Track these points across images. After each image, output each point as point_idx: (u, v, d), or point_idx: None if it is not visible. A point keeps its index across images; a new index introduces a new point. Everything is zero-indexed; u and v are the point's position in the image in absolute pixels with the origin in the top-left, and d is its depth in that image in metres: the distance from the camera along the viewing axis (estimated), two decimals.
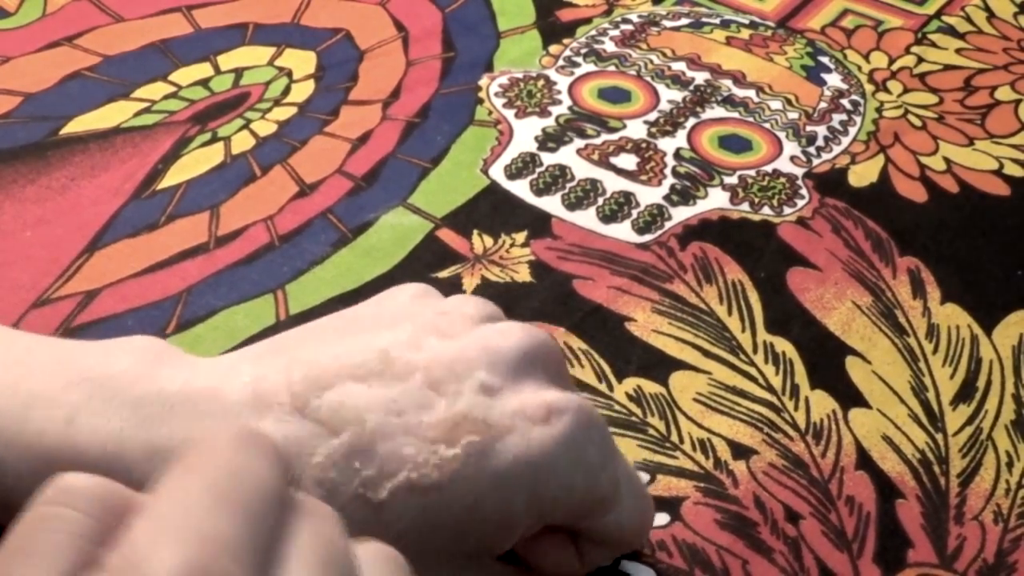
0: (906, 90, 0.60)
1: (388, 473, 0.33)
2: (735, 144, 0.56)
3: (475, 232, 0.51)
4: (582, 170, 0.54)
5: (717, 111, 0.58)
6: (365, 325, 0.36)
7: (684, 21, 0.64)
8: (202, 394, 0.34)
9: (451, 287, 0.49)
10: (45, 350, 0.36)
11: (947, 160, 0.56)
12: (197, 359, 0.36)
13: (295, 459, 0.33)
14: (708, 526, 0.41)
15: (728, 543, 0.40)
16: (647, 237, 0.51)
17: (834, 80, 0.60)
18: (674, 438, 0.44)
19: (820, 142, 0.57)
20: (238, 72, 0.59)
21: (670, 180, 0.54)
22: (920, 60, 0.62)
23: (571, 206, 0.53)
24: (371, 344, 0.35)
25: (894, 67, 0.61)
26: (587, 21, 0.63)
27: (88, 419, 0.34)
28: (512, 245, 0.51)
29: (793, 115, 0.58)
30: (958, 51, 0.62)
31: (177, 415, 0.34)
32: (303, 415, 0.33)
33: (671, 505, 0.42)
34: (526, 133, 0.56)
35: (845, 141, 0.57)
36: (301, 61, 0.60)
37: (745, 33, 0.63)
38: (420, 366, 0.34)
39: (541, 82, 0.59)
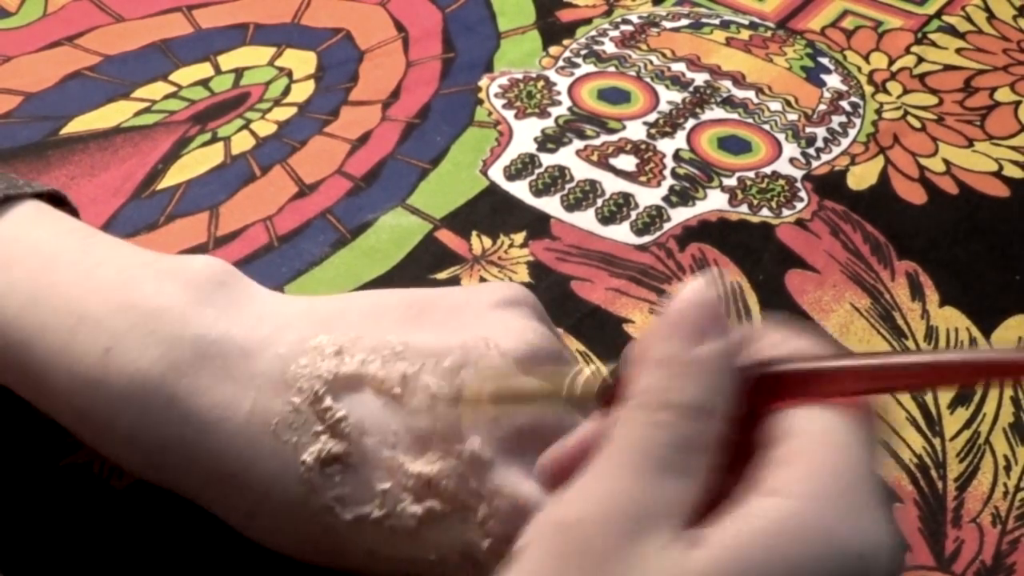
0: (906, 91, 0.60)
1: (358, 499, 0.34)
2: (734, 145, 0.56)
3: (474, 233, 0.51)
4: (581, 171, 0.54)
5: (716, 112, 0.58)
6: (425, 324, 0.37)
7: (684, 22, 0.64)
8: (235, 352, 0.36)
9: None
10: (112, 266, 0.38)
11: (946, 162, 0.56)
12: (254, 296, 0.38)
13: (291, 447, 0.35)
14: None
15: None
16: (646, 238, 0.51)
17: (834, 81, 0.60)
18: None
19: (819, 144, 0.57)
20: (238, 72, 0.59)
21: (669, 181, 0.54)
22: (920, 60, 0.62)
23: (570, 207, 0.53)
24: (412, 354, 0.36)
25: (894, 68, 0.61)
26: (587, 22, 0.63)
27: (123, 352, 0.36)
28: (511, 246, 0.51)
29: (792, 116, 0.58)
30: (958, 51, 0.62)
31: (204, 368, 0.35)
32: (314, 411, 0.35)
33: None
34: (525, 134, 0.56)
35: (844, 143, 0.57)
36: (301, 61, 0.60)
37: (745, 34, 0.63)
38: (434, 405, 0.35)
39: (541, 83, 0.59)
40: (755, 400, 0.29)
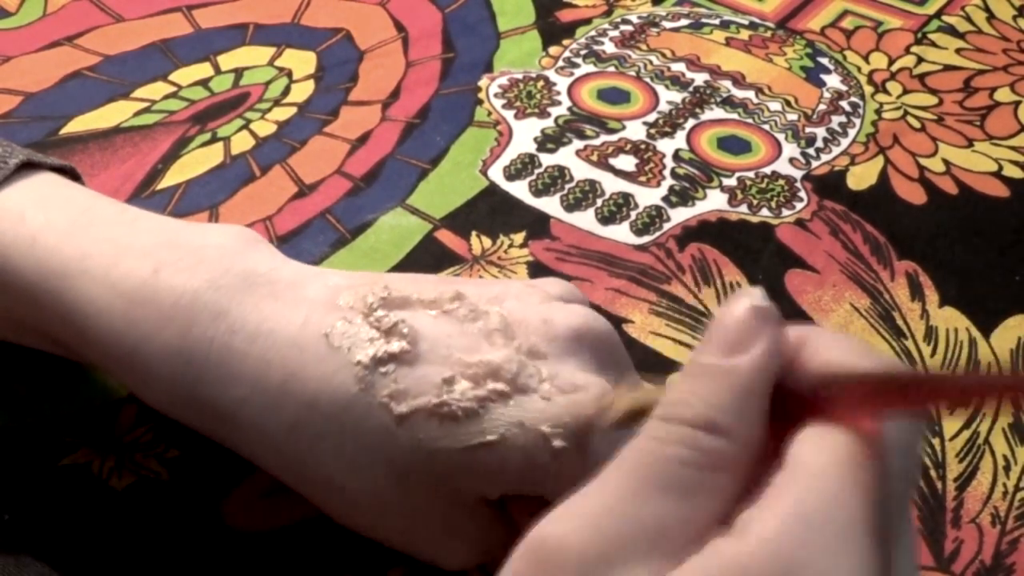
0: (905, 91, 0.60)
1: (416, 393, 0.35)
2: (734, 145, 0.56)
3: (473, 233, 0.51)
4: (581, 171, 0.54)
5: (716, 112, 0.58)
6: (462, 280, 0.39)
7: (684, 22, 0.64)
8: (283, 281, 0.37)
9: None
10: (149, 220, 0.39)
11: (946, 162, 0.56)
12: (289, 259, 0.39)
13: (343, 352, 0.35)
14: None
15: None
16: (645, 238, 0.51)
17: (833, 81, 0.60)
18: None
19: (819, 144, 0.57)
20: (238, 72, 0.59)
21: (669, 181, 0.54)
22: (920, 60, 0.62)
23: (570, 207, 0.53)
24: (456, 287, 0.37)
25: (894, 68, 0.61)
26: (587, 22, 0.63)
27: (173, 273, 0.37)
28: (510, 246, 0.51)
29: (792, 116, 0.58)
30: (958, 51, 0.62)
31: (254, 292, 0.36)
32: (367, 321, 0.36)
33: None
34: (525, 134, 0.56)
35: (844, 143, 0.57)
36: (301, 61, 0.60)
37: (745, 34, 0.63)
38: (486, 316, 0.36)
39: (540, 83, 0.59)
40: (790, 418, 0.26)
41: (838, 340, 0.28)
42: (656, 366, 0.46)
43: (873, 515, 0.25)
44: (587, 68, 0.60)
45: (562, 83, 0.59)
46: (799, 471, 0.25)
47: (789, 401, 0.27)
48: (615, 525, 0.25)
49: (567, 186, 0.54)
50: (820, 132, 0.57)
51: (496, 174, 0.54)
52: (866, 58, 0.62)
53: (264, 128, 0.56)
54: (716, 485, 0.26)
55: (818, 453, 0.26)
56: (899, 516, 0.26)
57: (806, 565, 0.24)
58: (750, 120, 0.58)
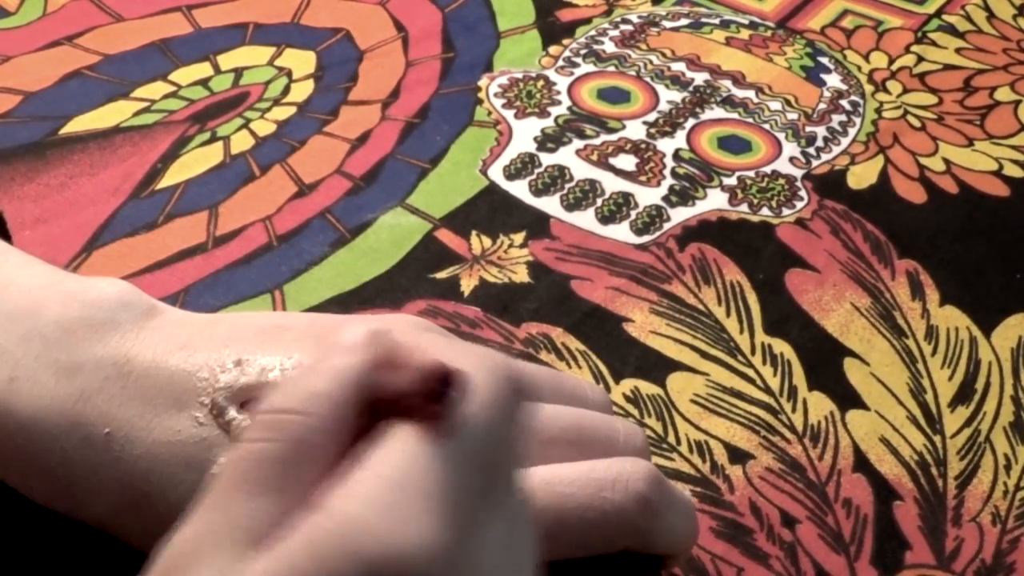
0: (905, 91, 0.60)
1: None
2: (734, 145, 0.56)
3: (473, 233, 0.51)
4: (581, 171, 0.54)
5: (716, 112, 0.58)
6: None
7: (684, 21, 0.64)
8: (136, 372, 0.36)
9: (449, 288, 0.49)
10: (18, 288, 0.38)
11: (946, 161, 0.56)
12: (157, 314, 0.38)
13: (202, 461, 0.35)
14: (703, 534, 0.41)
15: (723, 552, 0.40)
16: (646, 238, 0.51)
17: (834, 81, 0.60)
18: (671, 439, 0.44)
19: (819, 143, 0.56)
20: (238, 72, 0.59)
21: (669, 181, 0.54)
22: (920, 59, 0.62)
23: (570, 207, 0.53)
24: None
25: (894, 67, 0.61)
26: (587, 21, 0.63)
27: (26, 381, 0.36)
28: (510, 246, 0.51)
29: (792, 116, 0.58)
30: (958, 50, 0.62)
31: (103, 393, 0.36)
32: (218, 424, 0.35)
33: None
34: (525, 134, 0.56)
35: (844, 142, 0.57)
36: (301, 61, 0.60)
37: (745, 33, 0.63)
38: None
39: (540, 82, 0.59)
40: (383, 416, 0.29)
41: (430, 340, 0.32)
42: (656, 365, 0.46)
43: (442, 484, 0.27)
44: (587, 68, 0.60)
45: (562, 83, 0.59)
46: (369, 452, 0.28)
47: (381, 403, 0.29)
48: (200, 528, 0.27)
49: (567, 186, 0.54)
50: (820, 131, 0.57)
51: (496, 174, 0.54)
52: (866, 57, 0.62)
53: (264, 128, 0.56)
54: (299, 476, 0.28)
55: (388, 437, 0.28)
56: (494, 486, 0.29)
57: (374, 528, 0.26)
58: (750, 119, 0.58)
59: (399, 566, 0.26)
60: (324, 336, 0.36)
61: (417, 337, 0.32)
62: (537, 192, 0.53)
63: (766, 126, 0.57)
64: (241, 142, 0.55)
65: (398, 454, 0.28)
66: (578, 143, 0.56)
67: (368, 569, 0.26)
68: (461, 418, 0.28)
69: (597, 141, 0.56)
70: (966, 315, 0.49)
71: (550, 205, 0.53)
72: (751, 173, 0.55)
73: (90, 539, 0.37)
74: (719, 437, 0.44)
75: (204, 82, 0.58)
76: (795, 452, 0.43)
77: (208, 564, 0.27)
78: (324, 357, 0.29)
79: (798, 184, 0.54)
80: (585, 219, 0.52)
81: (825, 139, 0.57)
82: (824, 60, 0.61)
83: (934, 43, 0.63)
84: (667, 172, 0.55)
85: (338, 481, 0.27)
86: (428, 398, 0.28)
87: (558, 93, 0.58)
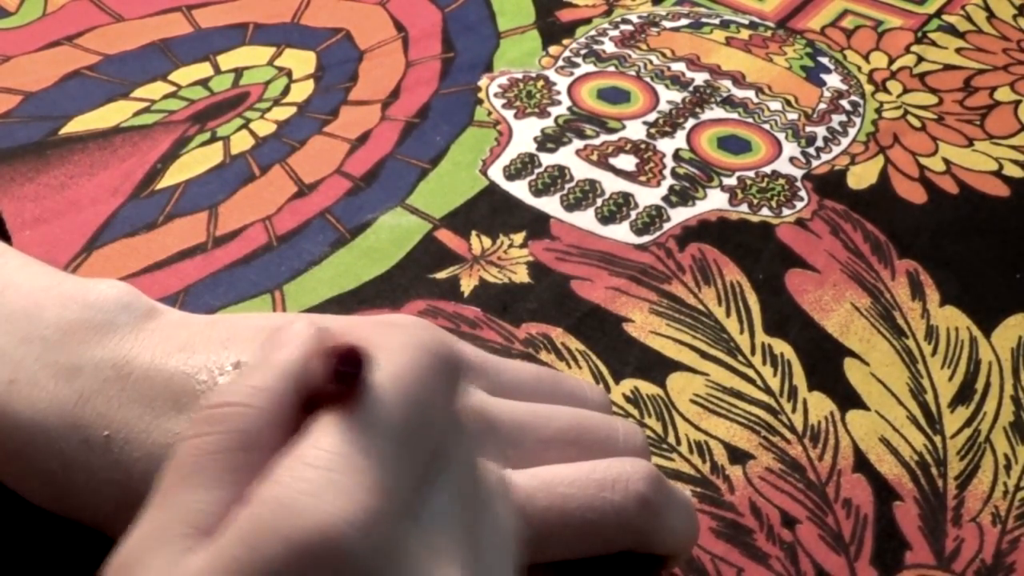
0: (906, 91, 0.60)
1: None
2: (734, 145, 0.56)
3: (473, 233, 0.51)
4: (581, 171, 0.54)
5: (716, 112, 0.58)
6: None
7: (684, 21, 0.64)
8: (135, 374, 0.36)
9: (449, 288, 0.49)
10: (17, 291, 0.38)
11: (946, 161, 0.56)
12: (156, 316, 0.37)
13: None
14: (703, 535, 0.41)
15: (723, 552, 0.40)
16: (645, 238, 0.51)
17: (834, 81, 0.60)
18: (671, 440, 0.44)
19: (819, 143, 0.56)
20: (238, 72, 0.59)
21: (669, 181, 0.54)
22: (920, 59, 0.62)
23: (570, 207, 0.53)
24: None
25: (894, 67, 0.61)
26: (587, 21, 0.63)
27: (26, 383, 0.36)
28: (510, 246, 0.51)
29: (792, 116, 0.58)
30: (958, 50, 0.62)
31: (103, 395, 0.35)
32: None
33: None
34: (525, 134, 0.56)
35: (844, 142, 0.57)
36: (301, 61, 0.60)
37: (745, 33, 0.63)
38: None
39: (540, 83, 0.59)
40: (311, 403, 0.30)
41: (362, 328, 0.32)
42: (656, 365, 0.46)
43: (363, 460, 0.28)
44: (587, 68, 0.60)
45: (562, 83, 0.59)
46: (297, 440, 0.29)
47: (318, 395, 0.30)
48: (150, 522, 0.28)
49: (567, 186, 0.54)
50: (820, 131, 0.57)
51: (496, 174, 0.54)
52: (866, 57, 0.62)
53: (264, 128, 0.56)
54: (241, 466, 0.29)
55: (313, 424, 0.29)
56: (427, 457, 0.30)
57: (301, 511, 0.27)
58: (750, 119, 0.58)
59: (330, 543, 0.27)
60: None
61: (353, 327, 0.32)
62: (537, 192, 0.53)
63: (766, 126, 0.57)
64: (241, 142, 0.55)
65: (322, 437, 0.28)
66: (578, 143, 0.56)
67: (300, 550, 0.27)
68: (369, 390, 0.29)
69: (597, 141, 0.56)
70: (966, 315, 0.49)
71: (550, 205, 0.53)
72: (751, 173, 0.55)
73: (89, 541, 0.37)
74: (719, 437, 0.44)
75: (204, 82, 0.58)
76: (795, 452, 0.43)
77: (152, 561, 0.27)
78: (268, 353, 0.30)
79: (798, 184, 0.54)
80: (585, 219, 0.52)
81: (825, 139, 0.57)
82: (824, 60, 0.61)
83: (934, 43, 0.63)
84: (667, 172, 0.55)
85: (269, 471, 0.28)
86: (340, 380, 0.29)
87: (558, 93, 0.58)
